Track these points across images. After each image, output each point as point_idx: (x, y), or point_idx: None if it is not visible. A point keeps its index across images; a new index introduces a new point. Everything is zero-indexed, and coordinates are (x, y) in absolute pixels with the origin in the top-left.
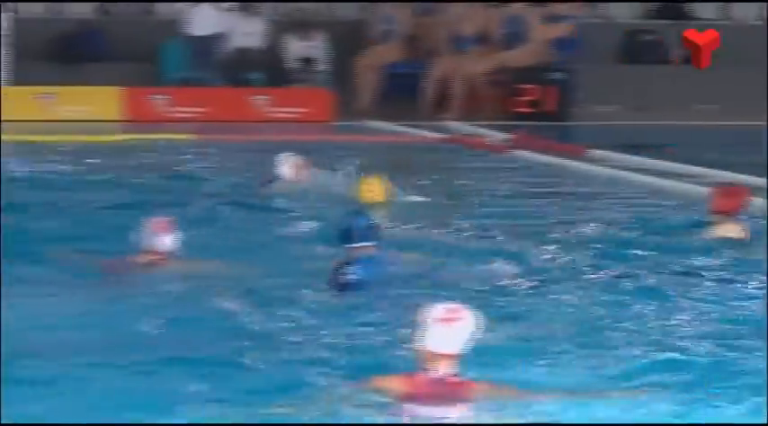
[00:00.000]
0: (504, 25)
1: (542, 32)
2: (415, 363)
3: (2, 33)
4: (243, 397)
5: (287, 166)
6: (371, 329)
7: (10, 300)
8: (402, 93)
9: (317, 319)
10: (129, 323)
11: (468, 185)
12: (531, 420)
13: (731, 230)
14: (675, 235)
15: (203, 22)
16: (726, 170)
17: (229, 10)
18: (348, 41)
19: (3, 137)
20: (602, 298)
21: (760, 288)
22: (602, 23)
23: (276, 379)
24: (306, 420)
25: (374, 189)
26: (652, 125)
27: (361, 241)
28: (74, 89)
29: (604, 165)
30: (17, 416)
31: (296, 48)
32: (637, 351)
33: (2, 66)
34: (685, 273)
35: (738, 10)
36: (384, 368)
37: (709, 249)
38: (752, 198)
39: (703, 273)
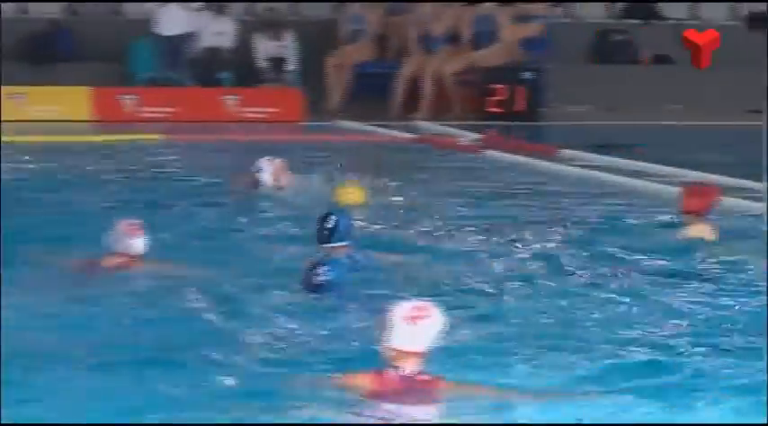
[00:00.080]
0: (474, 25)
1: (512, 32)
2: (384, 361)
3: None
4: (214, 399)
5: (268, 170)
6: (343, 329)
7: None
8: (372, 92)
9: (289, 319)
10: (98, 324)
11: (439, 185)
12: (498, 419)
13: (701, 230)
14: (646, 236)
15: (172, 21)
16: (696, 170)
17: (199, 10)
18: (318, 41)
19: None
20: (572, 299)
21: (732, 288)
22: (572, 23)
23: (248, 380)
24: (271, 419)
25: (351, 190)
26: (623, 125)
27: (336, 241)
28: (44, 89)
29: (576, 165)
30: None
31: (266, 47)
32: (608, 352)
33: None
34: (655, 273)
35: (707, 10)
36: (354, 367)
37: (678, 249)
38: (722, 198)
39: (674, 274)
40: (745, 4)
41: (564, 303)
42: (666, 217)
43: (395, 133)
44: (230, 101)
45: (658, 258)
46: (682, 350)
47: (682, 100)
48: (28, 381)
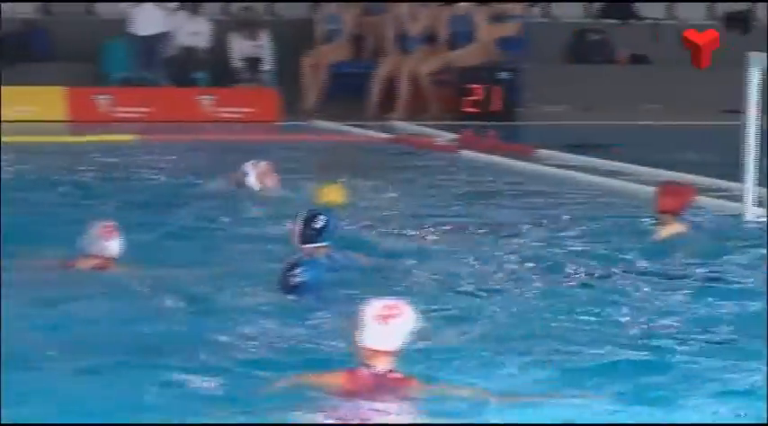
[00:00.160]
0: (451, 25)
1: (489, 32)
2: (356, 359)
3: None
4: (186, 400)
5: (252, 173)
6: (320, 329)
7: None
8: (348, 92)
9: (265, 320)
10: (71, 326)
11: (416, 185)
12: (470, 419)
13: (676, 229)
14: (622, 235)
15: (147, 21)
16: (673, 169)
17: (174, 10)
18: (294, 41)
19: None
20: (548, 299)
21: (709, 288)
22: (548, 23)
23: (221, 381)
24: (245, 420)
25: (331, 190)
26: (600, 125)
27: (322, 241)
28: (18, 89)
29: (552, 165)
30: None
31: (241, 47)
32: (583, 353)
33: None
34: (631, 273)
35: (684, 10)
36: (329, 367)
37: (655, 249)
38: (696, 197)
39: (649, 273)
40: (723, 4)
41: (544, 303)
42: (643, 217)
43: (371, 133)
44: (206, 101)
45: (636, 257)
46: (667, 349)
47: (658, 100)
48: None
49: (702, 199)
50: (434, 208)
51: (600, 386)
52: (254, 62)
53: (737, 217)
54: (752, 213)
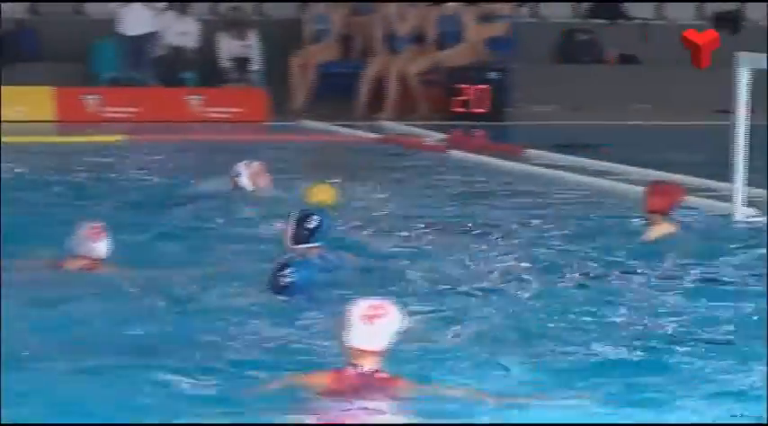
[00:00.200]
0: (439, 25)
1: (477, 32)
2: (343, 359)
3: None
4: (173, 401)
5: (245, 174)
6: (309, 330)
7: None
8: (337, 92)
9: (255, 321)
10: (59, 327)
11: (405, 185)
12: (457, 420)
13: (666, 228)
14: (612, 236)
15: (136, 21)
16: (663, 169)
17: (163, 10)
18: (282, 41)
19: None
20: (541, 300)
21: (700, 288)
22: (537, 23)
23: (213, 381)
24: (230, 420)
25: (321, 190)
26: (589, 125)
27: (315, 241)
28: (7, 89)
29: (541, 165)
30: None
31: (230, 47)
32: (575, 354)
33: None
34: (621, 273)
35: (673, 10)
36: (318, 367)
37: (644, 249)
38: (685, 196)
39: (639, 273)
40: (712, 4)
41: (537, 304)
42: (633, 217)
43: (359, 133)
44: (194, 101)
45: (626, 258)
46: (662, 350)
47: (648, 99)
48: None
49: (692, 199)
50: (424, 209)
51: (592, 387)
52: (242, 62)
53: (727, 217)
54: (741, 213)
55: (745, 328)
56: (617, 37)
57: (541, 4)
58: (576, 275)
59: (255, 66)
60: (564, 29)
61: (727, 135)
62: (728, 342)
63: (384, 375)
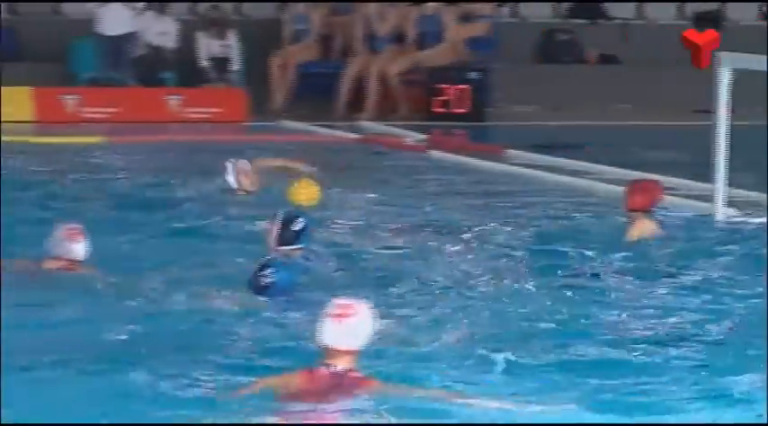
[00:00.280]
0: (420, 25)
1: (458, 32)
2: (317, 359)
3: None
4: (142, 403)
5: (232, 172)
6: (289, 330)
7: None
8: (316, 92)
9: (234, 322)
10: (36, 328)
11: (385, 186)
12: (429, 419)
13: (647, 226)
14: (593, 235)
15: (114, 21)
16: (642, 170)
17: (141, 9)
18: (262, 41)
19: None
20: (519, 300)
21: (683, 286)
22: (517, 23)
23: (187, 383)
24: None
25: (305, 189)
26: (569, 125)
27: (293, 244)
28: None
29: (522, 165)
30: None
31: (209, 47)
32: (554, 355)
33: None
34: (605, 273)
35: (653, 10)
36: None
37: (625, 247)
38: (665, 194)
39: (623, 272)
40: (692, 4)
41: (518, 304)
42: (614, 216)
43: (339, 133)
44: (173, 101)
45: (609, 257)
46: (642, 348)
47: (628, 99)
48: None
49: (673, 200)
50: (404, 209)
51: (572, 390)
52: (221, 62)
53: (708, 217)
54: (722, 213)
55: (735, 327)
56: (597, 37)
57: (521, 4)
58: (558, 274)
59: (235, 66)
60: (544, 29)
61: (707, 135)
62: (714, 343)
63: (357, 374)
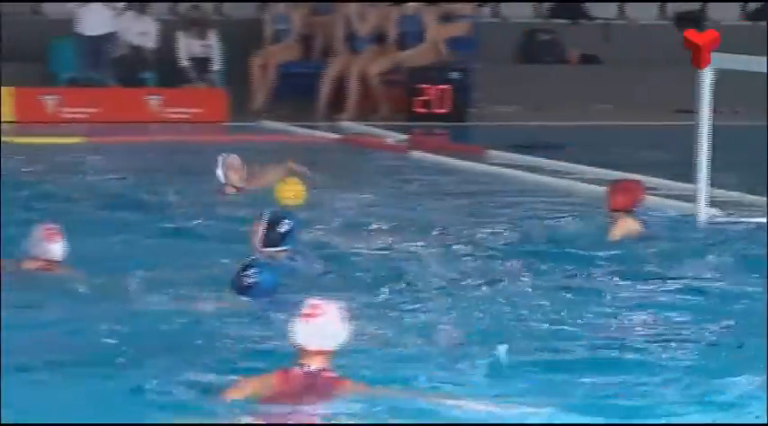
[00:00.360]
0: (401, 25)
1: (439, 32)
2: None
3: None
4: (122, 405)
5: (221, 168)
6: (271, 330)
7: None
8: (297, 93)
9: (217, 323)
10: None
11: (366, 186)
12: (402, 419)
13: (630, 226)
14: (575, 235)
15: (94, 21)
16: (623, 170)
17: (122, 9)
18: (242, 41)
19: None
20: (502, 300)
21: (667, 285)
22: (499, 23)
23: (168, 384)
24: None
25: (291, 188)
26: (551, 125)
27: (279, 245)
28: None
29: (503, 165)
30: None
31: (189, 47)
32: (539, 355)
33: None
34: (585, 273)
35: (634, 10)
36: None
37: (608, 247)
38: (646, 194)
39: (606, 272)
40: (674, 4)
41: (506, 304)
42: (597, 216)
43: (320, 133)
44: (153, 101)
45: (593, 256)
46: (628, 348)
47: (609, 100)
48: None
49: (656, 200)
50: (385, 209)
51: (555, 391)
52: (202, 62)
53: (691, 217)
54: (705, 213)
55: (708, 326)
56: (579, 37)
57: (503, 4)
58: (541, 274)
59: (215, 66)
60: (525, 29)
61: (689, 135)
62: (701, 342)
63: (330, 374)
